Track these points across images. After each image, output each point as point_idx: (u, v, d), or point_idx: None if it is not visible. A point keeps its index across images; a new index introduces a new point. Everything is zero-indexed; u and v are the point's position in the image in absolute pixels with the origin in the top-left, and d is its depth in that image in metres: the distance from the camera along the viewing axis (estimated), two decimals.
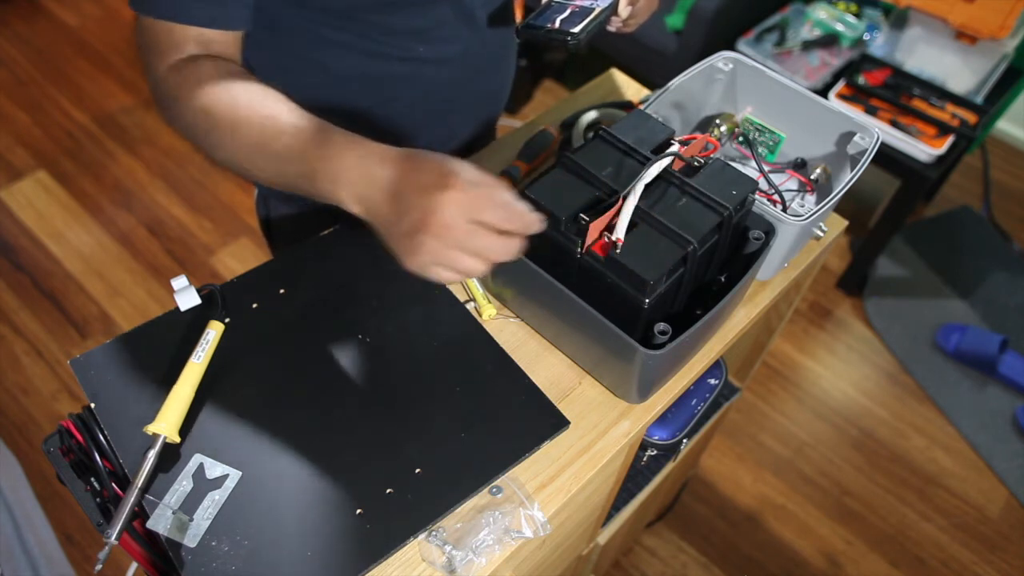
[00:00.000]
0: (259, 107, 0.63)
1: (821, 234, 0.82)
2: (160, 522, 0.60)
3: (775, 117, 0.83)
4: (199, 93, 0.64)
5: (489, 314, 0.76)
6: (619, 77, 1.06)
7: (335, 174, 0.59)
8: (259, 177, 0.66)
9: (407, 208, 0.55)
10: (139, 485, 0.60)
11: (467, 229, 0.54)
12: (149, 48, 0.68)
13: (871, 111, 1.75)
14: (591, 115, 0.94)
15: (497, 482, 0.65)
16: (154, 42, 0.67)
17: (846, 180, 0.74)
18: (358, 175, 0.58)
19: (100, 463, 0.63)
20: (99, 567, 0.58)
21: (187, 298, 0.73)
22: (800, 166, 0.84)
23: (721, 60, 0.83)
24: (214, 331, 0.69)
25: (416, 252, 0.55)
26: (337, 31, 0.77)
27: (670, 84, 0.79)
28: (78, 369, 0.69)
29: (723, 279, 0.73)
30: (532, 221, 0.57)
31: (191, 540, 0.59)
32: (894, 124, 1.72)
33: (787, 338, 2.00)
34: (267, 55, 0.80)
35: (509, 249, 0.57)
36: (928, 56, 1.85)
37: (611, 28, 0.79)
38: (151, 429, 0.62)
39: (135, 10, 0.67)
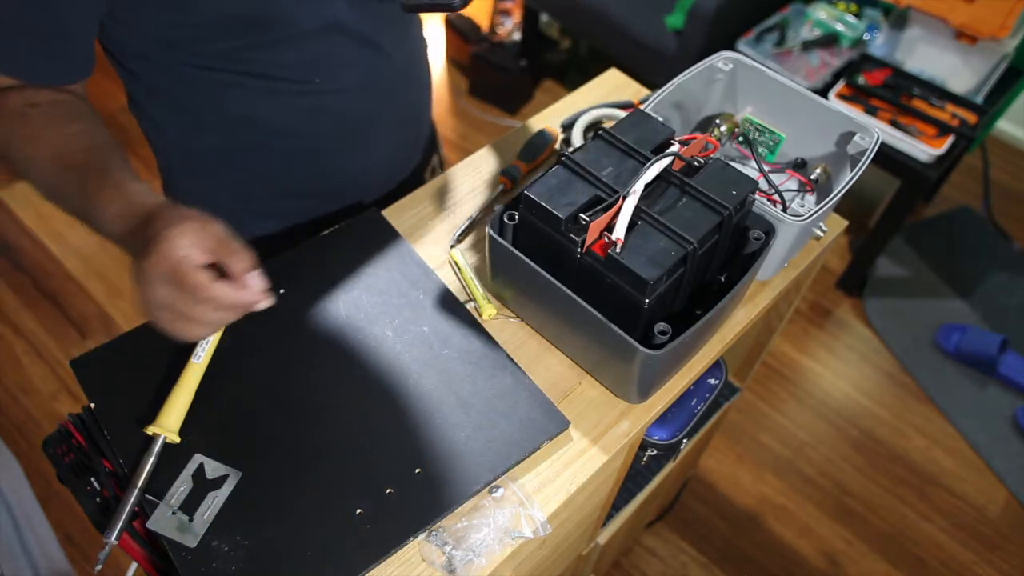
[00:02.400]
0: (51, 145, 0.65)
1: (821, 234, 0.82)
2: (160, 522, 0.60)
3: (775, 117, 0.83)
4: (37, 121, 0.66)
5: (489, 314, 0.76)
6: (619, 77, 1.06)
7: (112, 228, 0.61)
8: (65, 211, 0.67)
9: (133, 266, 0.56)
10: (139, 485, 0.60)
11: (165, 298, 0.54)
12: None
13: (871, 111, 1.75)
14: (591, 115, 0.94)
15: (497, 482, 0.65)
16: None
17: (846, 180, 0.74)
18: (122, 225, 0.60)
19: (100, 463, 0.63)
20: (99, 567, 0.58)
21: None
22: (800, 166, 0.84)
23: (721, 60, 0.83)
24: None
25: (143, 307, 0.56)
26: (223, 72, 0.75)
27: (670, 84, 0.79)
28: (78, 369, 0.69)
29: (723, 279, 0.73)
30: (246, 302, 0.56)
31: (191, 540, 0.59)
32: (894, 124, 1.72)
33: (787, 338, 2.00)
34: (163, 101, 0.79)
35: (221, 317, 0.56)
36: (928, 56, 1.85)
37: None
38: (151, 429, 0.62)
39: None
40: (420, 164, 1.02)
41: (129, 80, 0.79)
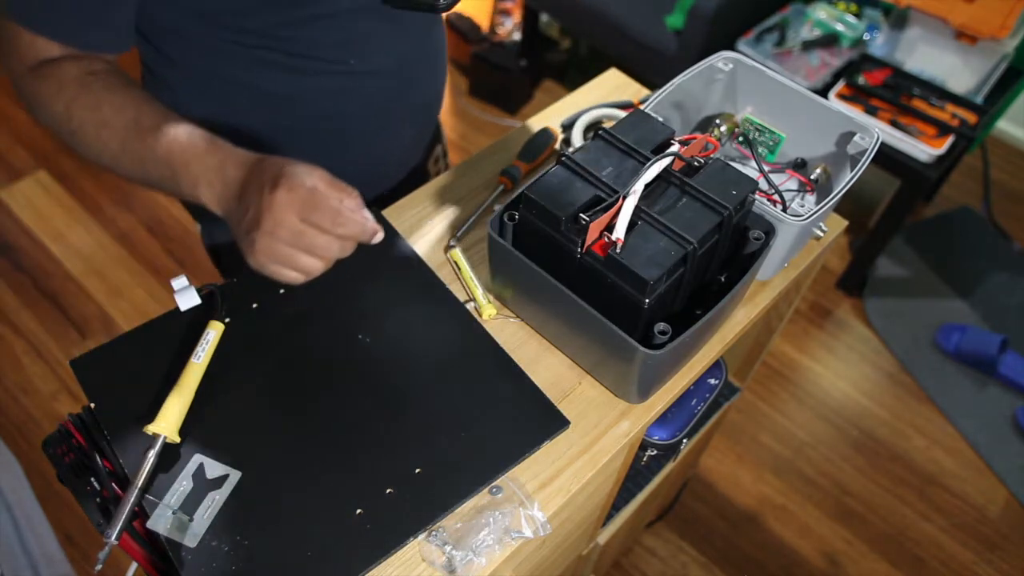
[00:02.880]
0: (122, 110, 0.65)
1: (821, 234, 0.82)
2: (160, 522, 0.60)
3: (775, 117, 0.83)
4: (61, 96, 0.66)
5: (489, 314, 0.76)
6: (619, 77, 1.06)
7: (195, 177, 0.62)
8: (127, 178, 0.68)
9: (246, 207, 0.58)
10: (139, 485, 0.60)
11: (297, 228, 0.56)
12: (7, 48, 0.67)
13: (871, 111, 1.75)
14: (591, 115, 0.94)
15: (497, 482, 0.65)
16: (13, 44, 0.67)
17: (846, 180, 0.74)
18: (216, 178, 0.61)
19: (100, 463, 0.63)
20: (99, 567, 0.58)
21: (187, 298, 0.73)
22: (800, 166, 0.84)
23: (721, 60, 0.83)
24: (214, 331, 0.69)
25: (252, 250, 0.58)
26: (259, 49, 0.75)
27: (670, 84, 0.79)
28: (78, 369, 0.69)
29: (723, 279, 0.73)
30: (368, 230, 0.60)
31: (191, 540, 0.59)
32: (894, 124, 1.72)
33: (787, 338, 2.00)
34: (191, 78, 0.79)
35: (343, 248, 0.59)
36: (928, 56, 1.85)
37: None
38: (151, 429, 0.62)
39: None
40: (427, 152, 1.03)
41: (155, 58, 0.79)
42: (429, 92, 0.93)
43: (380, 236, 0.61)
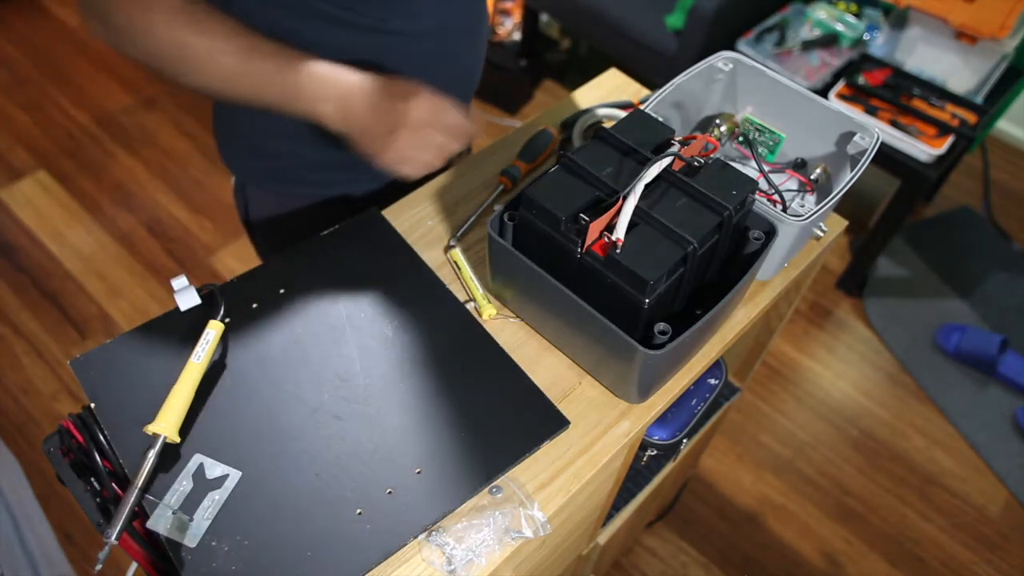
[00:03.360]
0: (234, 35, 0.69)
1: (821, 234, 0.82)
2: (160, 522, 0.60)
3: (775, 117, 0.83)
4: (167, 22, 0.67)
5: (489, 314, 0.76)
6: (619, 77, 1.06)
7: (315, 93, 0.70)
8: (235, 99, 0.72)
9: (385, 111, 0.70)
10: (139, 485, 0.60)
11: (430, 130, 0.71)
12: None
13: (871, 111, 1.75)
14: (591, 115, 0.94)
15: (497, 482, 0.65)
16: None
17: (846, 180, 0.74)
18: (337, 93, 0.70)
19: (100, 463, 0.63)
20: (99, 567, 0.58)
21: (187, 298, 0.73)
22: (800, 166, 0.84)
23: (721, 60, 0.83)
24: (214, 331, 0.69)
25: (391, 147, 0.71)
26: (308, 3, 0.76)
27: (670, 84, 0.79)
28: (78, 369, 0.69)
29: (723, 279, 0.73)
30: (476, 134, 0.76)
31: (191, 540, 0.59)
32: (894, 124, 1.72)
33: (787, 338, 2.00)
34: (240, 19, 0.78)
35: (458, 148, 0.74)
36: (928, 56, 1.85)
37: None
38: (151, 429, 0.62)
39: None
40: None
41: None
42: (467, 63, 0.93)
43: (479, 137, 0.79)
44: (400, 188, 0.88)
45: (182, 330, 0.72)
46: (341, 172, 0.93)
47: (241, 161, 0.95)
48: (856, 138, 0.78)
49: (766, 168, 0.83)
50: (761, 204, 0.71)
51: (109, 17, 0.68)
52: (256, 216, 1.00)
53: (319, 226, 0.81)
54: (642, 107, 0.76)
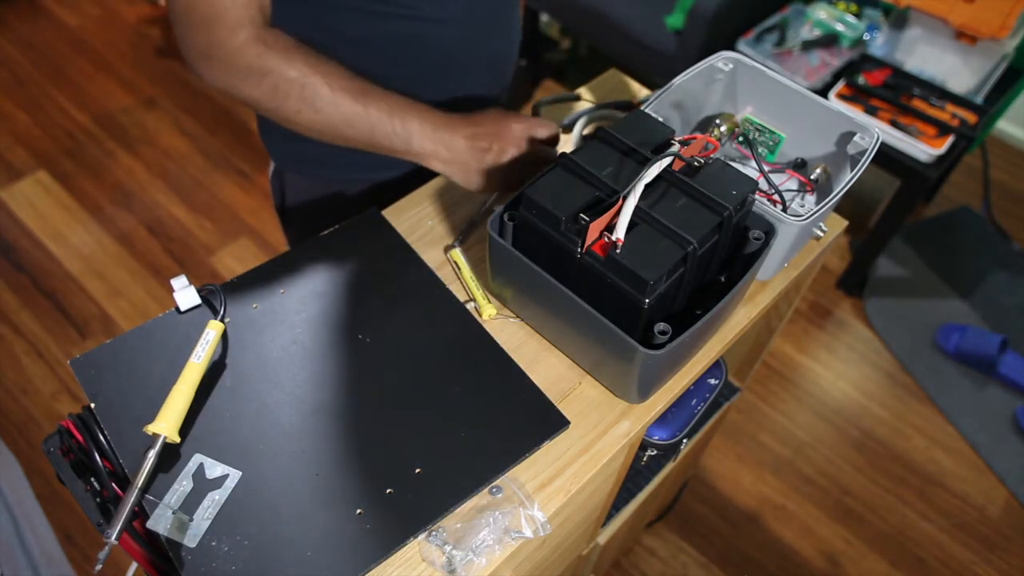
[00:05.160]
0: (350, 79, 0.73)
1: (821, 234, 0.82)
2: (160, 522, 0.60)
3: (775, 117, 0.83)
4: (292, 63, 0.71)
5: (489, 314, 0.76)
6: (619, 77, 1.06)
7: (423, 148, 0.76)
8: (347, 140, 0.76)
9: (484, 145, 0.76)
10: (139, 485, 0.60)
11: (529, 145, 0.76)
12: (211, 21, 0.69)
13: (871, 111, 1.75)
14: (591, 115, 0.94)
15: (497, 482, 0.65)
16: (218, 14, 0.69)
17: (846, 180, 0.74)
18: (444, 140, 0.75)
19: (100, 463, 0.63)
20: (99, 567, 0.58)
21: (187, 298, 0.73)
22: (800, 166, 0.84)
23: (721, 60, 0.83)
24: (214, 331, 0.69)
25: (494, 176, 0.76)
26: None
27: (670, 84, 0.79)
28: (78, 369, 0.69)
29: (723, 279, 0.73)
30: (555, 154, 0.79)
31: (191, 540, 0.59)
32: (894, 124, 1.72)
33: (787, 338, 2.00)
34: (275, 16, 0.79)
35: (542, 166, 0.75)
36: (928, 56, 1.85)
37: None
38: (151, 429, 0.62)
39: None
40: None
41: None
42: (497, 48, 0.94)
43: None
44: (429, 174, 0.90)
45: (182, 330, 0.72)
46: (374, 158, 0.94)
47: (280, 146, 0.98)
48: (856, 138, 0.78)
49: (766, 168, 0.83)
50: (761, 204, 0.71)
51: (226, 60, 0.70)
52: (292, 202, 1.03)
53: (351, 213, 0.83)
54: (642, 107, 0.76)
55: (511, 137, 0.76)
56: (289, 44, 0.72)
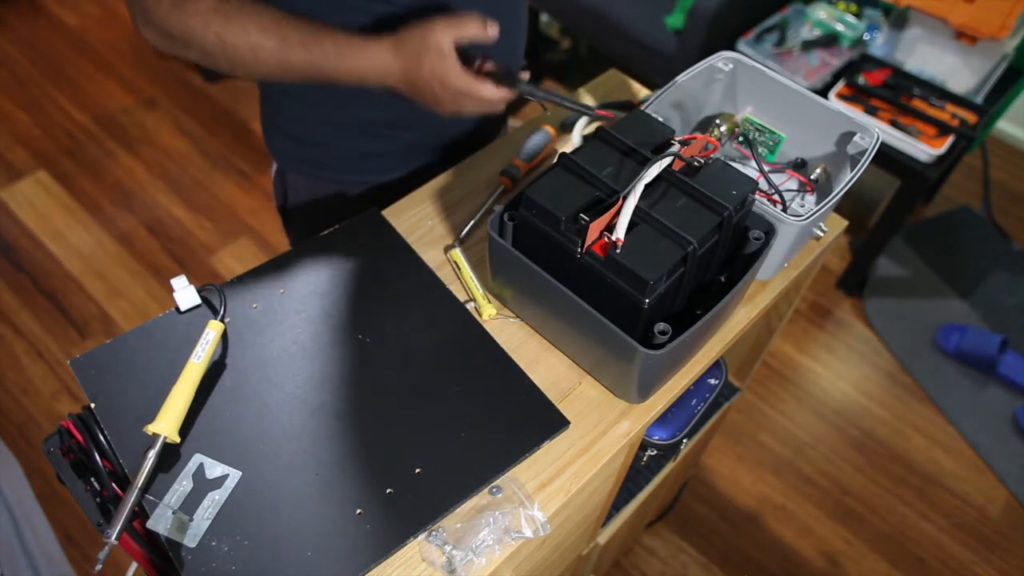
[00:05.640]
0: (266, 31, 0.72)
1: (821, 234, 0.82)
2: (160, 522, 0.60)
3: (775, 117, 0.83)
4: (210, 28, 0.72)
5: (489, 314, 0.76)
6: (619, 77, 1.06)
7: (365, 72, 0.74)
8: (288, 80, 0.76)
9: (421, 85, 0.73)
10: (139, 485, 0.60)
11: (464, 88, 0.71)
12: None
13: (871, 111, 1.75)
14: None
15: (497, 482, 0.65)
16: None
17: (846, 180, 0.74)
18: (383, 69, 0.74)
19: (100, 463, 0.63)
20: (99, 567, 0.58)
21: (187, 298, 0.73)
22: (800, 166, 0.84)
23: (721, 60, 0.83)
24: (214, 331, 0.69)
25: (442, 109, 0.74)
26: None
27: (670, 84, 0.79)
28: (78, 369, 0.69)
29: (723, 279, 0.73)
30: (515, 75, 0.74)
31: (191, 540, 0.59)
32: (894, 124, 1.72)
33: (787, 338, 2.00)
34: None
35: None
36: (928, 56, 1.85)
37: None
38: (151, 429, 0.62)
39: None
40: (498, 118, 1.05)
41: None
42: (504, 50, 0.92)
43: (526, 76, 0.75)
44: (429, 175, 0.91)
45: (182, 330, 0.72)
46: (374, 160, 0.96)
47: (283, 147, 0.99)
48: (856, 138, 0.78)
49: (766, 168, 0.83)
50: (761, 204, 0.71)
51: (160, 25, 0.72)
52: (293, 201, 1.04)
53: (351, 213, 0.84)
54: (642, 107, 0.76)
55: (437, 83, 0.72)
56: (207, 7, 0.72)
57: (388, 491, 0.63)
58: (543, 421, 0.68)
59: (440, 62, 0.71)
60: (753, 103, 0.85)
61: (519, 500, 0.64)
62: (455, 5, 0.83)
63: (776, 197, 0.80)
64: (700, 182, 0.66)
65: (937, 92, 1.77)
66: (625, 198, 0.63)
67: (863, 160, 0.74)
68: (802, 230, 0.73)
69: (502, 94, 0.74)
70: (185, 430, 0.65)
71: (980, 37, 1.72)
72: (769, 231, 0.71)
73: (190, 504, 0.61)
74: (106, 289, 1.96)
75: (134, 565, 0.63)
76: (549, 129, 0.94)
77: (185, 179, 2.22)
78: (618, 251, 0.61)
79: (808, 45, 1.89)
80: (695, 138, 0.70)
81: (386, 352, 0.72)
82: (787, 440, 1.82)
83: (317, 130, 0.94)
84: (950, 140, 1.70)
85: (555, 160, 0.69)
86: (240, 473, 0.63)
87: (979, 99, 1.81)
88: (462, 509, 0.64)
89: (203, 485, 0.62)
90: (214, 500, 0.62)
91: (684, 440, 0.96)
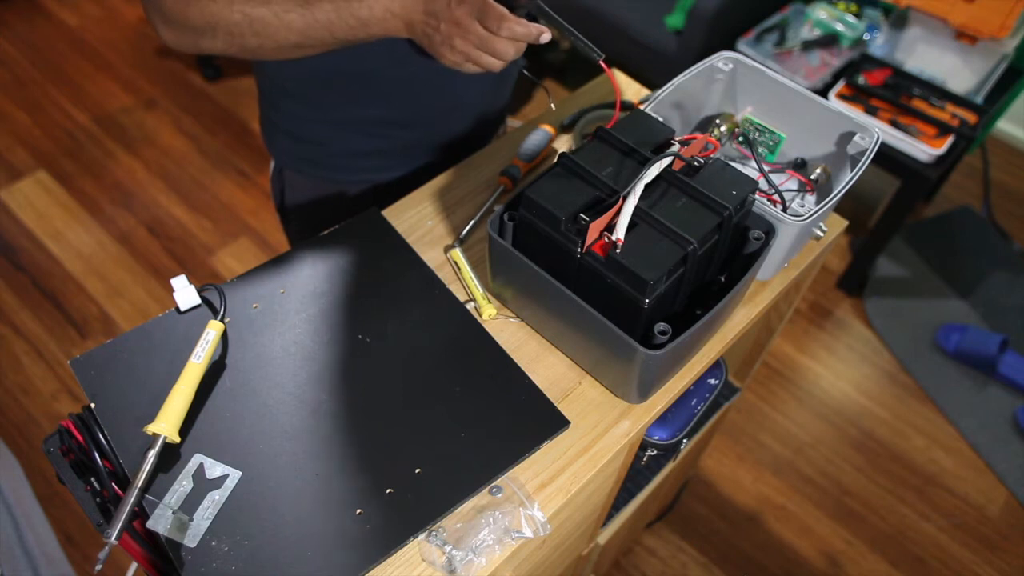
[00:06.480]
0: None
1: (821, 234, 0.82)
2: (160, 522, 0.60)
3: (775, 117, 0.83)
4: (232, 6, 0.72)
5: (489, 314, 0.76)
6: (619, 77, 1.06)
7: (383, 20, 0.72)
8: (313, 49, 0.76)
9: (436, 25, 0.70)
10: (139, 485, 0.60)
11: (481, 34, 0.68)
12: None
13: (871, 111, 1.75)
14: (591, 115, 0.94)
15: (497, 482, 0.65)
16: None
17: (846, 180, 0.74)
18: (397, 16, 0.72)
19: (100, 463, 0.63)
20: (99, 567, 0.58)
21: (187, 298, 0.73)
22: (800, 166, 0.84)
23: (721, 60, 0.83)
24: (214, 331, 0.69)
25: (448, 54, 0.70)
26: None
27: (670, 84, 0.79)
28: (78, 369, 0.69)
29: (723, 279, 0.73)
30: (533, 33, 0.69)
31: (191, 540, 0.59)
32: (894, 124, 1.72)
33: (787, 338, 2.00)
34: None
35: (518, 50, 0.69)
36: (928, 56, 1.85)
37: None
38: (151, 429, 0.62)
39: None
40: (497, 118, 1.05)
41: None
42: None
43: (546, 36, 0.70)
44: (427, 175, 0.91)
45: (182, 330, 0.72)
46: (373, 159, 0.96)
47: (282, 145, 0.99)
48: (856, 138, 0.78)
49: (766, 168, 0.83)
50: (761, 204, 0.71)
51: (182, 20, 0.72)
52: (291, 201, 1.04)
53: (349, 212, 0.83)
54: (642, 107, 0.76)
55: (456, 24, 0.69)
56: None
57: (388, 491, 0.63)
58: (543, 421, 0.68)
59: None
60: (753, 103, 0.85)
61: (519, 500, 0.64)
62: None
63: (776, 197, 0.80)
64: (700, 182, 0.66)
65: (937, 92, 1.77)
66: (625, 198, 0.63)
67: (863, 160, 0.74)
68: (802, 230, 0.73)
69: (522, 28, 0.69)
70: (185, 430, 0.65)
71: (980, 37, 1.72)
72: (769, 231, 0.71)
73: (190, 504, 0.61)
74: (106, 289, 1.96)
75: (134, 565, 0.63)
76: (549, 129, 0.94)
77: (185, 179, 2.22)
78: (618, 251, 0.61)
79: (808, 45, 1.89)
80: (695, 138, 0.70)
81: (386, 352, 0.72)
82: (787, 440, 1.82)
83: (316, 129, 0.94)
84: (950, 140, 1.70)
85: (555, 160, 0.69)
86: (240, 473, 0.63)
87: (979, 99, 1.81)
88: (462, 509, 0.64)
89: (203, 485, 0.62)
90: (214, 500, 0.62)
91: (684, 440, 0.96)
